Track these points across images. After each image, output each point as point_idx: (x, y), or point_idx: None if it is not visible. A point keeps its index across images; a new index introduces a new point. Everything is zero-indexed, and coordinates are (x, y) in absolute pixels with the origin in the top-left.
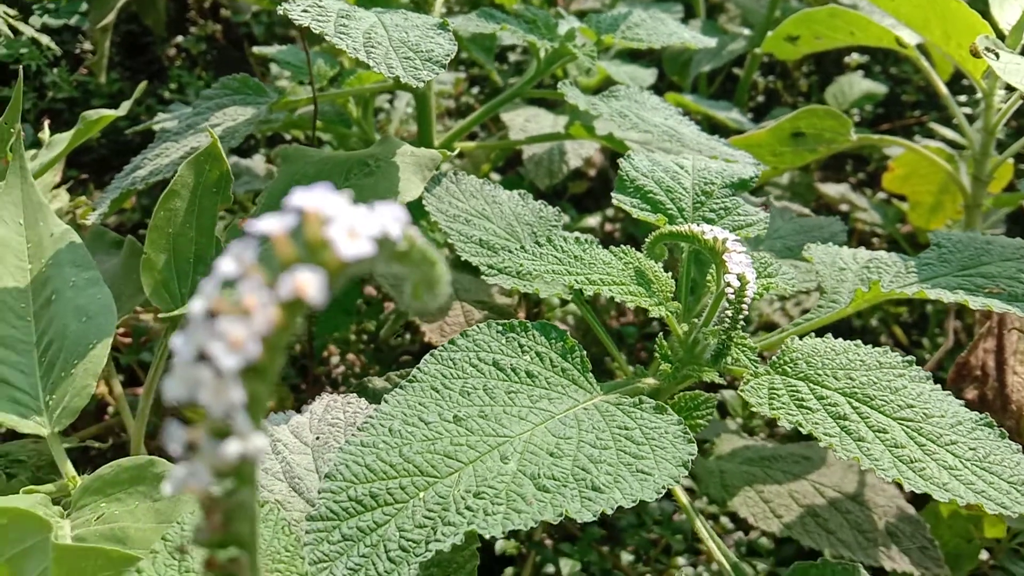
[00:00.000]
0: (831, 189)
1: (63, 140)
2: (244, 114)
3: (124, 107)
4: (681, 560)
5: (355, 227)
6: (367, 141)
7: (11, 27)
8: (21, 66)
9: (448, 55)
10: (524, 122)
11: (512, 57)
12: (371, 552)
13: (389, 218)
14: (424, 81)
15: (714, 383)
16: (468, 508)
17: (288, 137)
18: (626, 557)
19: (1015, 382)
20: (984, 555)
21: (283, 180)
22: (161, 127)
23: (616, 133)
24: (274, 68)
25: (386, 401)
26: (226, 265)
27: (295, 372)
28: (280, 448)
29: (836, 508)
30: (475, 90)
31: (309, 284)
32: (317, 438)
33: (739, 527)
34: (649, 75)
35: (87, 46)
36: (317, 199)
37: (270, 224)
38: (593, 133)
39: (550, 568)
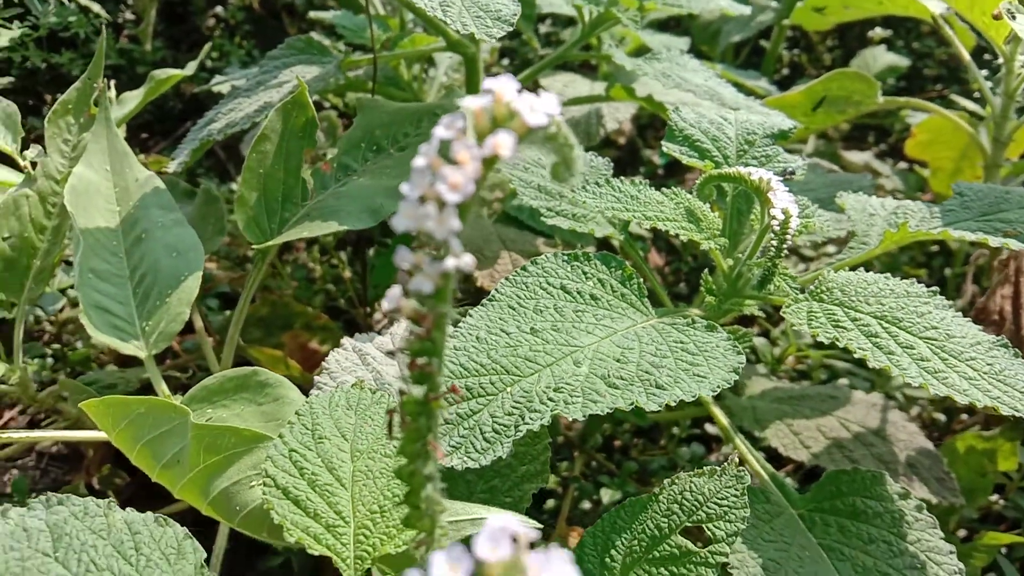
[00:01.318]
0: (855, 157)
1: (135, 97)
2: (311, 72)
3: (191, 67)
4: None
5: (534, 104)
6: (418, 101)
7: None
8: (103, 24)
9: (515, 14)
10: (563, 87)
11: (542, 29)
12: (469, 433)
13: (551, 102)
14: (495, 37)
15: (753, 316)
16: (550, 399)
17: (327, 104)
18: None
19: None
20: (995, 496)
21: (361, 127)
22: (232, 85)
23: (656, 95)
24: (314, 35)
25: (470, 315)
26: (441, 131)
27: (343, 324)
28: (369, 360)
29: (860, 441)
30: (505, 61)
31: (505, 144)
32: (401, 351)
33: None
34: (682, 43)
35: (128, 15)
36: (502, 84)
37: (471, 101)
38: (633, 95)
39: (586, 505)
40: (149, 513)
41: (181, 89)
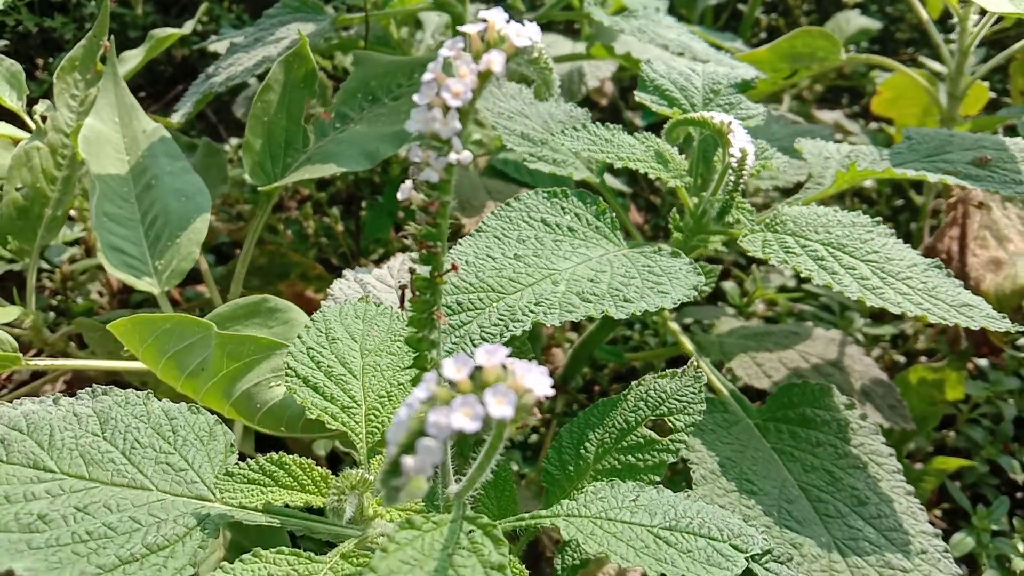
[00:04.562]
0: (826, 115)
1: (135, 56)
2: (307, 29)
3: (188, 26)
4: None
5: (519, 31)
6: None
7: None
8: None
9: None
10: (546, 47)
11: None
12: (460, 341)
13: (534, 30)
14: None
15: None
16: (531, 311)
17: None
18: None
19: (974, 262)
20: (949, 430)
21: (357, 78)
22: (231, 41)
23: (634, 53)
24: None
25: (460, 243)
26: (444, 51)
27: (338, 276)
28: (369, 289)
29: (819, 371)
30: None
31: (496, 60)
32: (400, 283)
33: None
34: (661, 3)
35: None
36: (493, 14)
37: (471, 27)
38: (613, 53)
39: None
40: (183, 403)
41: (171, 53)
